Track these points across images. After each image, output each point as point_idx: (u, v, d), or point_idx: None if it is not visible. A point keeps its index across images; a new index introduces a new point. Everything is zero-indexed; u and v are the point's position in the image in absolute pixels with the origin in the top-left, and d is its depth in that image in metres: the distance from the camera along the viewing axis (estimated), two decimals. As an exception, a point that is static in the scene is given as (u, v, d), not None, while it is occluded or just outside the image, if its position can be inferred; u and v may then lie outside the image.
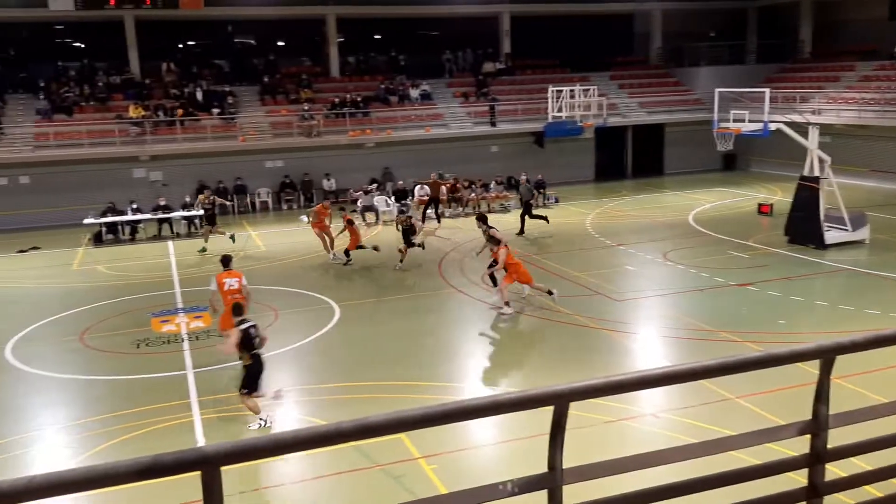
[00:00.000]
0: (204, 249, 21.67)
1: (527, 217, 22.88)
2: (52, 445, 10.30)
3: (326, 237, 20.12)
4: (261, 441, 2.00)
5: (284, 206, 29.16)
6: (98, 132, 27.89)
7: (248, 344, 10.26)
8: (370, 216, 25.66)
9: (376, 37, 37.02)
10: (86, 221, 24.06)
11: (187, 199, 25.82)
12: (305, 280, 18.36)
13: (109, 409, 11.19)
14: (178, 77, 31.88)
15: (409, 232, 19.06)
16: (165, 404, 11.22)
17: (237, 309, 10.72)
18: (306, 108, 30.43)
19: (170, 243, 23.51)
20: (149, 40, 31.73)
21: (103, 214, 24.17)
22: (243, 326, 10.33)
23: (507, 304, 14.96)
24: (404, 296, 16.94)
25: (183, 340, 14.16)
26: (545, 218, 23.39)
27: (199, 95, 30.65)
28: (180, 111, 29.34)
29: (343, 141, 30.05)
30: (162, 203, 24.86)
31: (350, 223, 19.54)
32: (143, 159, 27.99)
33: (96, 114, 29.02)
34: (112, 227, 24.25)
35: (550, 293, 15.13)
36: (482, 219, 16.91)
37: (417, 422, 2.12)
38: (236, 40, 35.51)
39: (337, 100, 31.39)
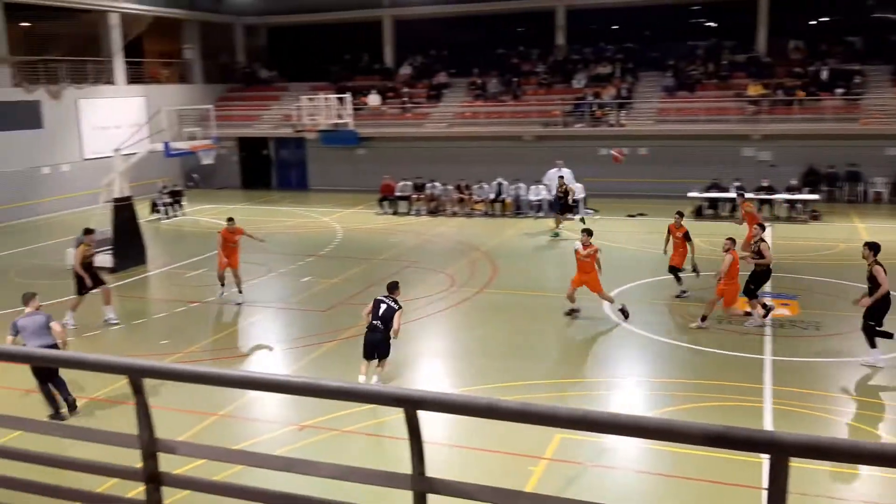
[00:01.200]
0: (557, 234, 22.39)
1: None
2: (628, 393, 11.28)
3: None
4: (839, 443, 1.86)
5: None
6: (715, 109, 28.75)
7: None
8: None
9: None
10: (689, 195, 25.21)
11: (793, 182, 24.94)
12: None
13: (684, 375, 11.71)
14: (804, 55, 30.69)
15: None
16: (736, 384, 11.23)
17: None
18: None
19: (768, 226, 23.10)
20: (778, 17, 31.17)
21: (707, 189, 24.99)
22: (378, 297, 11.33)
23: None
24: None
25: (766, 325, 13.89)
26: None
27: (824, 75, 29.02)
28: (800, 91, 28.29)
29: None
30: (765, 184, 24.53)
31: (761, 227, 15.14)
32: (754, 138, 27.92)
33: (716, 91, 29.89)
34: (713, 203, 24.94)
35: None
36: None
37: None
38: (875, 15, 32.40)
39: None
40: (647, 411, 10.44)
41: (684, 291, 15.74)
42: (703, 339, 13.16)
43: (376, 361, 11.19)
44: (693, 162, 28.19)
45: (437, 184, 27.07)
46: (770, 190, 24.37)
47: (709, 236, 21.81)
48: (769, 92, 28.66)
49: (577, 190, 24.82)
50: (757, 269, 13.98)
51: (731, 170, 26.23)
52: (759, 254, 13.91)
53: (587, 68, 32.60)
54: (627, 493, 8.62)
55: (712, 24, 34.71)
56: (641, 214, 25.36)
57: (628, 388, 11.50)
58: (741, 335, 13.37)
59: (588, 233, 14.76)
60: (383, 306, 11.10)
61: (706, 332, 13.54)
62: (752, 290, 13.97)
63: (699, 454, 8.69)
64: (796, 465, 1.89)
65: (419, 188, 27.21)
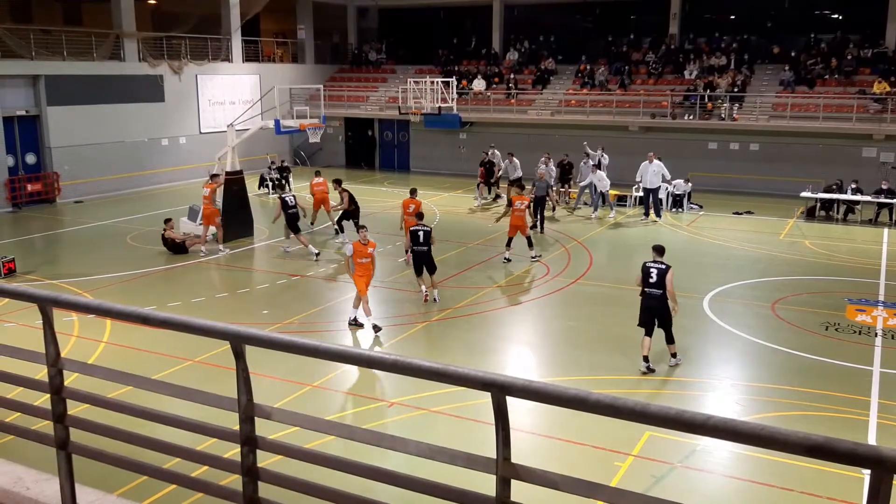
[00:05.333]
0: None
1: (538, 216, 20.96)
2: (722, 396, 10.94)
3: None
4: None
5: None
6: (835, 106, 27.33)
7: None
8: None
9: None
10: (802, 194, 24.12)
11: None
12: None
13: (784, 381, 11.27)
14: (937, 52, 28.74)
15: None
16: (841, 395, 10.73)
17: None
18: None
19: (885, 231, 21.92)
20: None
21: (826, 191, 23.83)
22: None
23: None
24: None
25: (876, 335, 13.20)
26: (541, 226, 21.05)
27: (960, 73, 27.11)
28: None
29: None
30: (884, 187, 23.19)
31: None
32: (876, 138, 26.41)
33: (837, 87, 28.41)
34: (827, 204, 23.79)
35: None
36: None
37: None
38: None
39: None
40: (742, 416, 10.11)
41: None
42: (806, 346, 12.61)
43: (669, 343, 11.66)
44: (807, 161, 26.98)
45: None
46: (890, 193, 23.02)
47: (819, 238, 20.90)
48: (895, 90, 27.02)
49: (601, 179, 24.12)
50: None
51: (849, 170, 24.94)
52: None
53: (700, 59, 31.54)
54: (716, 497, 8.39)
55: (838, 16, 32.92)
56: (748, 212, 24.46)
57: (723, 390, 11.16)
58: (852, 344, 12.75)
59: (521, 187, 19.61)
60: (654, 271, 11.34)
61: (810, 339, 12.98)
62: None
63: (795, 464, 8.38)
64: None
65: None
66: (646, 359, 11.42)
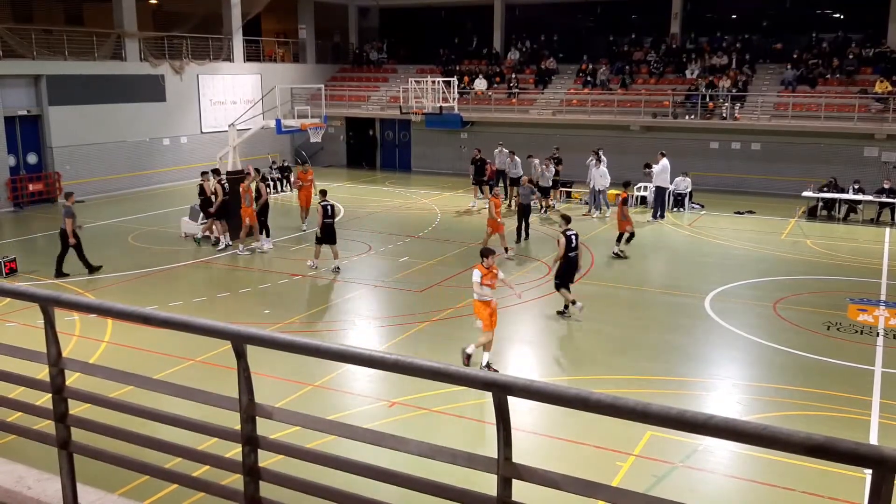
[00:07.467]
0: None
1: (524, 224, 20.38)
2: (722, 395, 10.94)
3: None
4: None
5: None
6: (837, 106, 27.31)
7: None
8: None
9: None
10: (804, 194, 24.11)
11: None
12: None
13: (785, 381, 11.27)
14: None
15: None
16: (843, 394, 10.72)
17: None
18: None
19: (887, 230, 21.91)
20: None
21: (822, 189, 23.83)
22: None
23: None
24: None
25: (878, 335, 13.19)
26: (526, 232, 20.35)
27: (961, 72, 27.06)
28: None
29: None
30: (886, 186, 23.18)
31: None
32: (878, 137, 26.39)
33: (839, 87, 28.37)
34: (829, 204, 23.77)
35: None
36: None
37: None
38: None
39: None
40: (743, 416, 10.11)
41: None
42: (808, 346, 12.60)
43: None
44: (810, 160, 26.97)
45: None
46: (892, 193, 23.00)
47: (821, 238, 20.89)
48: (898, 89, 26.99)
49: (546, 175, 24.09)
50: None
51: (850, 170, 24.94)
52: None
53: (702, 58, 31.51)
54: (717, 497, 8.38)
55: (839, 15, 32.89)
56: (750, 212, 24.45)
57: (725, 389, 11.15)
58: (854, 344, 12.73)
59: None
60: (574, 237, 13.78)
61: (812, 338, 12.97)
62: None
63: (797, 464, 8.38)
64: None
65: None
66: (574, 302, 13.74)
